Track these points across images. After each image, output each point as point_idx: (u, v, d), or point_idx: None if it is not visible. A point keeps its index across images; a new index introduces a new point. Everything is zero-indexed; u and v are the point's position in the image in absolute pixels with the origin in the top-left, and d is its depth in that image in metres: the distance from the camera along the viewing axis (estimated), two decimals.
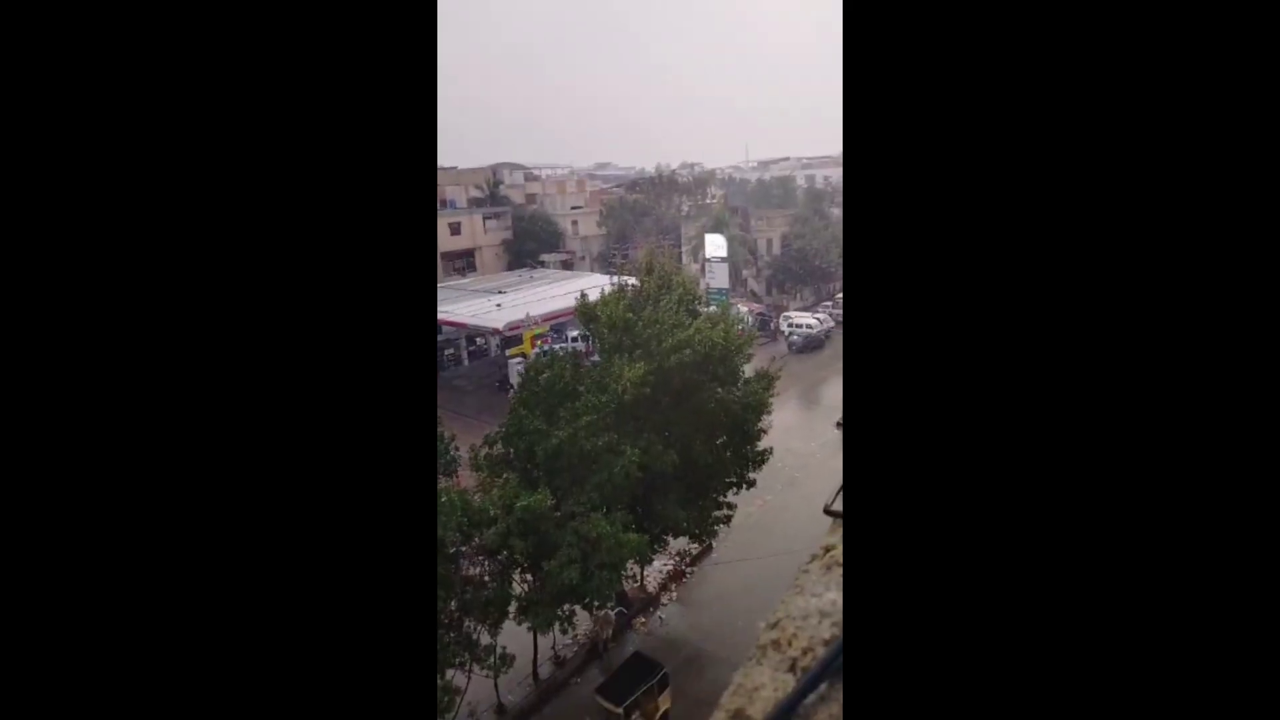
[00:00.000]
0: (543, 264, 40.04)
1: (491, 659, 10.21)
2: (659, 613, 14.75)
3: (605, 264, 39.63)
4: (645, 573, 14.85)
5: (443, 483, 10.06)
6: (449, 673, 9.69)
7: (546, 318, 26.89)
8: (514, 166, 52.62)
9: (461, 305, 29.07)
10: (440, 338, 31.10)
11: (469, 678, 10.27)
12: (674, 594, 15.26)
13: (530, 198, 47.51)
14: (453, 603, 9.93)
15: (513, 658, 10.67)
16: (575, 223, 44.50)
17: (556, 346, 23.32)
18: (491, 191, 43.96)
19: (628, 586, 13.78)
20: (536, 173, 53.51)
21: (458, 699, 9.79)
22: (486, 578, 10.57)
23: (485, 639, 10.34)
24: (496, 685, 11.55)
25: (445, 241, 38.75)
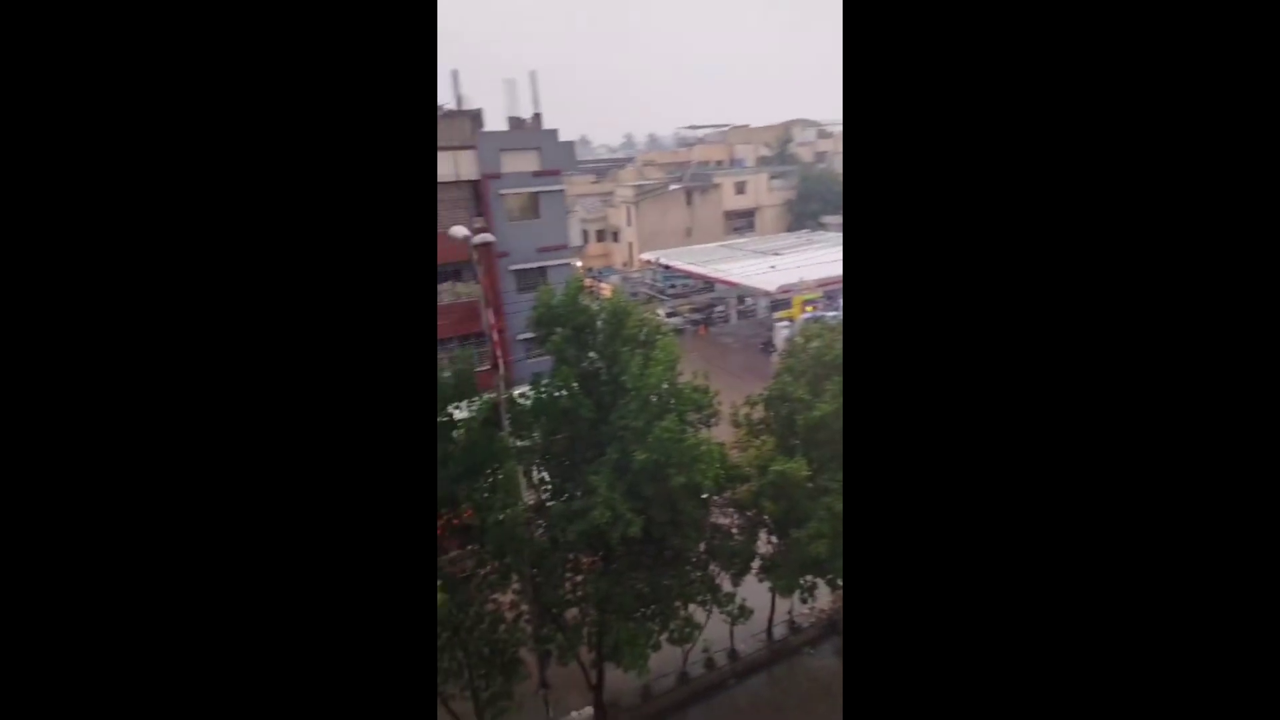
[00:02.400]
0: (823, 226, 38.52)
1: (731, 606, 10.74)
2: None
3: None
4: None
5: (704, 434, 10.66)
6: (690, 607, 10.49)
7: (820, 283, 26.02)
8: (807, 123, 50.83)
9: (735, 265, 29.65)
10: (712, 295, 32.27)
11: (709, 616, 10.99)
12: None
13: (819, 155, 45.62)
14: (701, 545, 10.62)
15: (751, 611, 11.08)
16: None
17: (827, 314, 22.49)
18: (780, 149, 43.22)
19: None
20: (830, 129, 51.02)
21: (697, 633, 10.58)
22: (735, 530, 11.04)
23: (727, 586, 10.90)
24: (732, 632, 12.16)
25: (729, 200, 39.59)
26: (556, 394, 9.36)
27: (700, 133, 58.74)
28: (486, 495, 9.20)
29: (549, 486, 10.18)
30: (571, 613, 10.29)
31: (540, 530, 9.93)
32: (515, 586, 9.96)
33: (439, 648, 8.75)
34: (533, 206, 17.33)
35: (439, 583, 7.05)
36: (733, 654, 12.78)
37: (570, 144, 18.03)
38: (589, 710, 11.60)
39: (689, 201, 39.22)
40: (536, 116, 18.75)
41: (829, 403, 10.49)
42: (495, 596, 9.83)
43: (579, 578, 10.20)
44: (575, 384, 9.35)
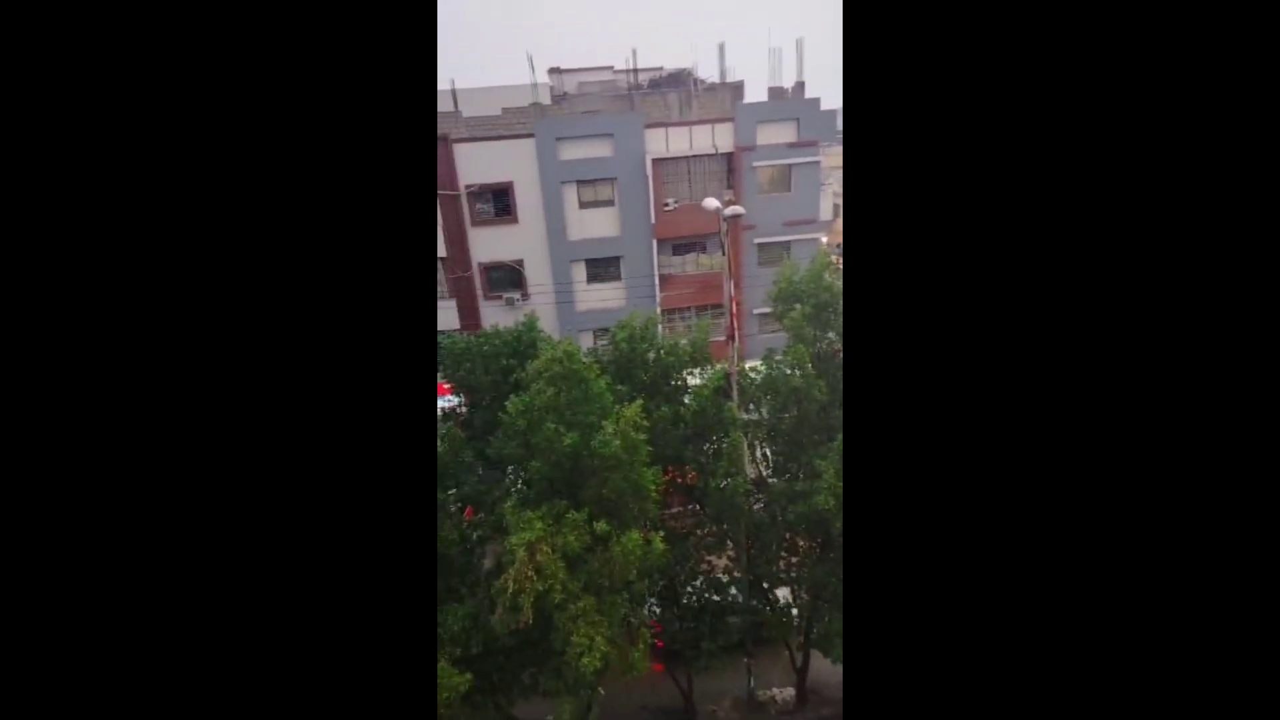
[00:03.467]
0: None
1: None
2: None
3: None
4: None
5: None
6: None
7: None
8: None
9: None
10: None
11: None
12: None
13: None
14: None
15: None
16: None
17: None
18: None
19: None
20: None
21: None
22: None
23: None
24: None
25: None
26: (788, 371, 9.21)
27: None
28: (710, 461, 9.53)
29: (771, 463, 10.14)
30: (782, 591, 10.22)
31: (759, 505, 9.99)
32: (730, 553, 10.22)
33: (654, 592, 9.44)
34: (785, 179, 16.96)
35: (659, 533, 7.58)
36: None
37: (832, 113, 17.13)
38: (790, 691, 11.52)
39: None
40: (799, 85, 18.14)
41: None
42: (710, 558, 10.22)
43: (794, 559, 10.07)
44: (809, 364, 9.09)
